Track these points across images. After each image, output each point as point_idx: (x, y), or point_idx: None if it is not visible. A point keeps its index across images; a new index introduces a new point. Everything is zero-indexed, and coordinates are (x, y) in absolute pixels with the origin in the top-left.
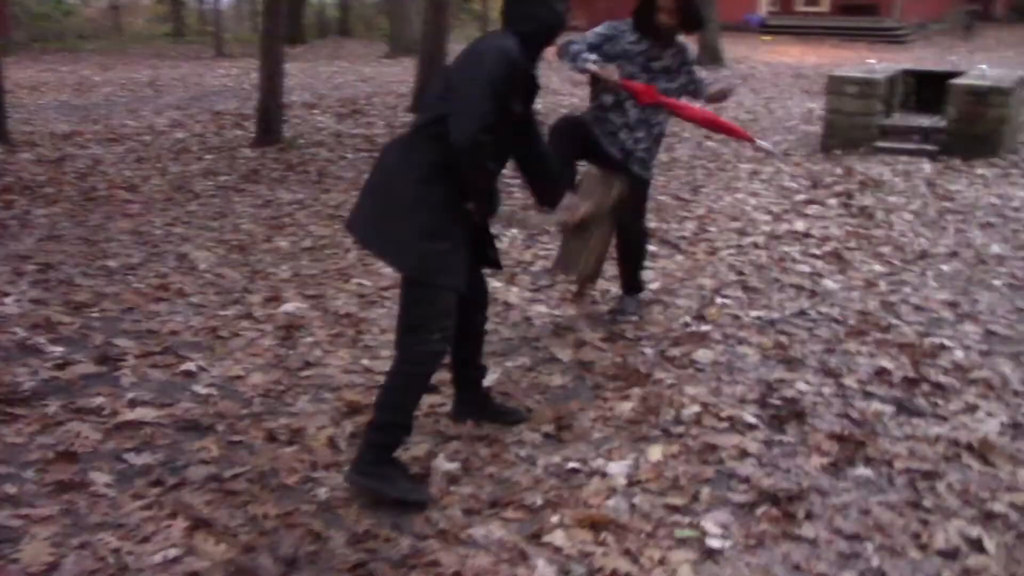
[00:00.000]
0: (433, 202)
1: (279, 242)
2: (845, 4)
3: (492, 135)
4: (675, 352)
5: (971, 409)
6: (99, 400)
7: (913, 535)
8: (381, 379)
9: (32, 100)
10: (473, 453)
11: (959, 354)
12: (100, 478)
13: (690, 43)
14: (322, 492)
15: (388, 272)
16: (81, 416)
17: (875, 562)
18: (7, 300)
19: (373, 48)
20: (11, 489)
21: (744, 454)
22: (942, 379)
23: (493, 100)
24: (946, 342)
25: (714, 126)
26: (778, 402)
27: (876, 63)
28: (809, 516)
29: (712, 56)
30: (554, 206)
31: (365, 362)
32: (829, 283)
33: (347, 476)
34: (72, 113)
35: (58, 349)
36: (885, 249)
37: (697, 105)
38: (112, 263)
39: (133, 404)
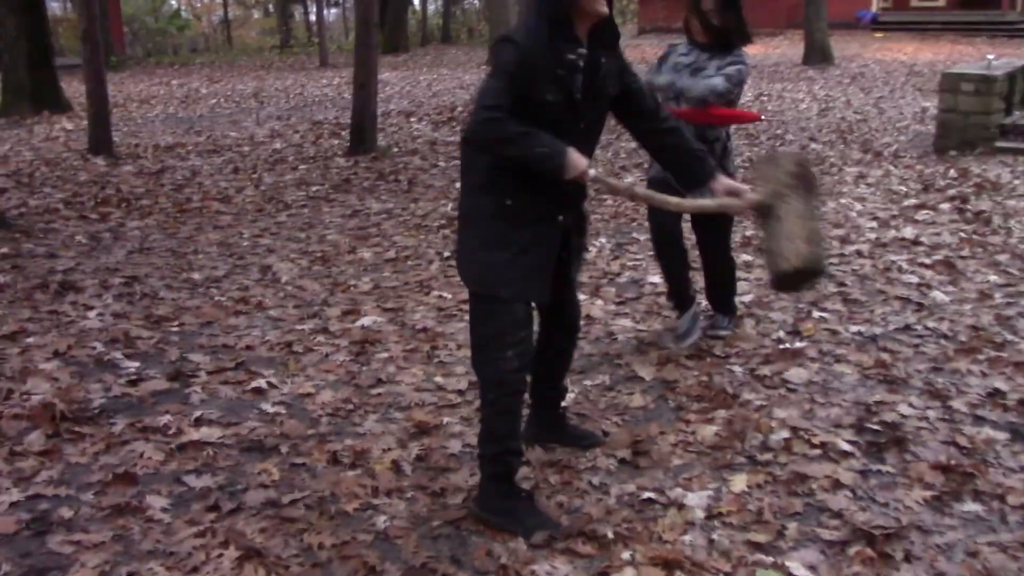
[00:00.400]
0: (489, 211)
1: (363, 253)
2: None
3: (508, 112)
4: (766, 371)
5: None
6: (166, 418)
7: None
8: (452, 398)
9: (141, 113)
10: (543, 479)
11: None
12: (157, 502)
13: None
14: (381, 521)
15: None
16: (146, 435)
17: None
18: (91, 314)
19: (474, 55)
20: (67, 513)
21: (837, 485)
22: None
23: (505, 84)
24: None
25: (712, 119)
26: (877, 427)
27: (995, 58)
28: (908, 557)
29: (822, 55)
30: (702, 183)
31: (438, 379)
32: (939, 295)
33: (470, 510)
34: (177, 125)
35: (133, 365)
36: (1002, 257)
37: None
38: (197, 276)
39: (199, 423)
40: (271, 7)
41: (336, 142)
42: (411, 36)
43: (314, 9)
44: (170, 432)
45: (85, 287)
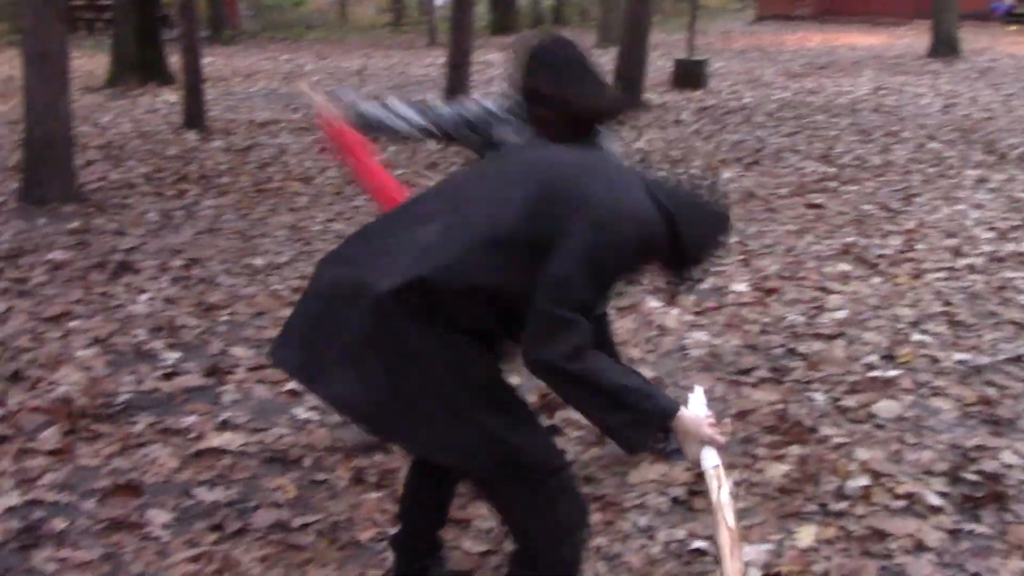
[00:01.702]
0: (471, 381)
1: None
2: None
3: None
4: (851, 402)
5: None
6: (190, 420)
7: None
8: None
9: (244, 88)
10: None
11: None
12: (158, 517)
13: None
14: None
15: None
16: (166, 438)
17: None
18: (141, 298)
19: (585, 38)
20: (61, 524)
21: (920, 547)
22: None
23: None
24: None
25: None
26: (974, 477)
27: None
28: None
29: (949, 47)
30: None
31: None
32: None
33: None
34: (277, 101)
35: (173, 356)
36: None
37: None
38: (259, 261)
39: (224, 427)
40: None
41: None
42: (523, 17)
43: None
44: (191, 436)
45: (143, 268)
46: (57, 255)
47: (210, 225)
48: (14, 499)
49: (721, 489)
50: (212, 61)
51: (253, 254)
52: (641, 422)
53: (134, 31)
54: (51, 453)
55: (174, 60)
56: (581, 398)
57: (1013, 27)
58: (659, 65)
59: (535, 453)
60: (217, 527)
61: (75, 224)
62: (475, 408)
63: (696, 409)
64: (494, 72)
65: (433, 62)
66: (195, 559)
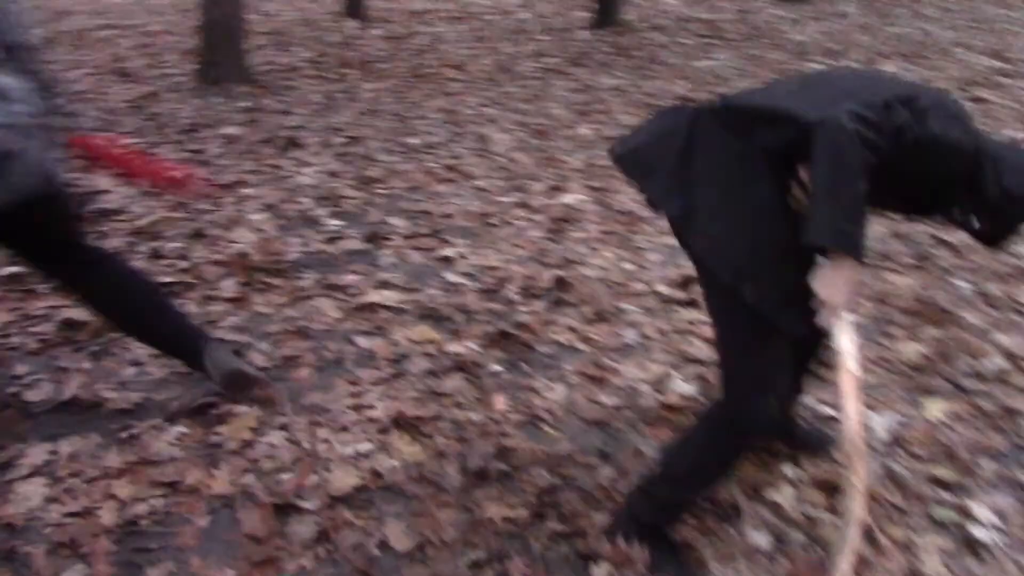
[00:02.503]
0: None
1: (581, 129)
2: None
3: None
4: (995, 290)
5: None
6: (351, 278)
7: None
8: (636, 287)
9: None
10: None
11: None
12: (325, 357)
13: None
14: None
15: None
16: (330, 292)
17: None
18: (306, 171)
19: None
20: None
21: None
22: None
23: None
24: None
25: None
26: None
27: None
28: None
29: None
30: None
31: (626, 266)
32: None
33: (606, 529)
34: None
35: (335, 223)
36: None
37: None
38: (414, 140)
39: (382, 286)
40: None
41: (584, 15)
42: None
43: None
44: (352, 292)
45: (308, 144)
46: (231, 130)
47: (369, 107)
48: None
49: (846, 337)
50: None
51: (409, 134)
52: (839, 226)
53: None
54: (230, 300)
55: None
56: (826, 161)
57: None
58: None
59: (781, 299)
60: (375, 369)
61: (246, 103)
62: (755, 219)
63: None
64: None
65: None
66: (356, 395)
